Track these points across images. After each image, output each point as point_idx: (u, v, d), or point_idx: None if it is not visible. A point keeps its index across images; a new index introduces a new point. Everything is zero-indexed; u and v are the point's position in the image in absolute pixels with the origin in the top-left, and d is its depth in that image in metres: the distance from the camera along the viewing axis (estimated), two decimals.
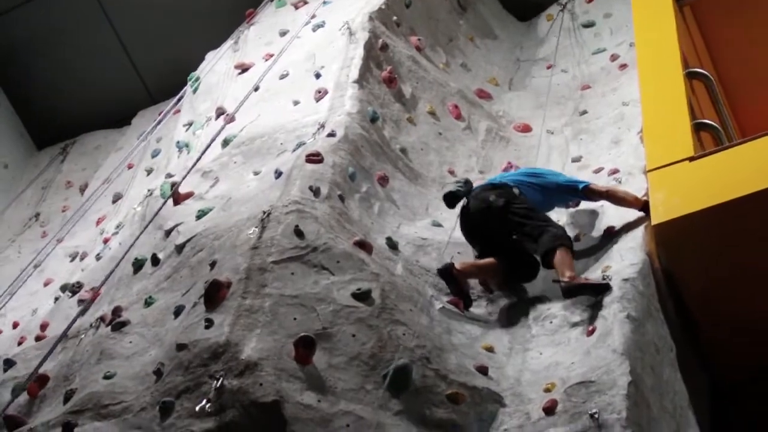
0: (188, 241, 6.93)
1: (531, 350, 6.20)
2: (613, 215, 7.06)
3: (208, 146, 7.90)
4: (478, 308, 6.73)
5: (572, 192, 7.08)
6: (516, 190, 6.87)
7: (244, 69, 9.72)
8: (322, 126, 7.66)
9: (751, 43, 9.52)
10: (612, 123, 8.55)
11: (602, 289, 6.20)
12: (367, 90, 8.18)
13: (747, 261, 6.53)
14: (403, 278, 6.49)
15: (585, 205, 7.27)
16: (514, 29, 11.11)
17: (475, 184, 7.17)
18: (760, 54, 9.53)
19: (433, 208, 7.63)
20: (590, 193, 7.00)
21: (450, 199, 6.97)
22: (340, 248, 6.33)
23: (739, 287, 6.60)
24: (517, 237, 6.70)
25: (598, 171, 7.78)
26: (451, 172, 8.14)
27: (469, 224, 6.94)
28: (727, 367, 6.78)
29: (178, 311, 6.34)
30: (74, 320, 6.62)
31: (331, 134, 7.47)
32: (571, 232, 6.92)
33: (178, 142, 9.47)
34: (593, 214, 7.23)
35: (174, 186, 7.71)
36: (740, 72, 9.24)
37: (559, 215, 7.25)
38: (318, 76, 8.55)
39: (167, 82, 11.66)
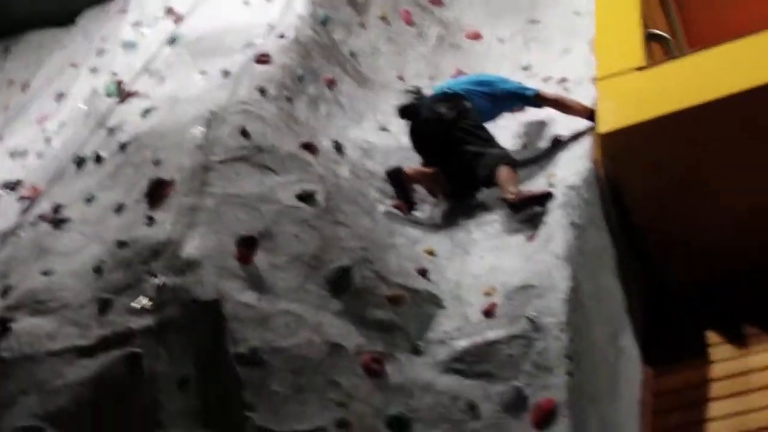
0: (133, 139, 6.83)
1: (472, 255, 6.23)
2: (560, 124, 7.06)
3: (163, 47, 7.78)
4: (421, 212, 6.75)
5: (521, 99, 7.07)
6: (467, 103, 6.84)
7: None
8: (273, 28, 7.56)
9: None
10: (563, 32, 8.51)
11: (546, 197, 6.21)
12: None
13: (690, 172, 6.56)
14: (348, 181, 6.48)
15: (532, 113, 7.25)
16: None
17: (426, 91, 7.13)
18: None
19: (380, 113, 7.60)
20: (539, 100, 6.99)
21: (404, 112, 6.94)
22: (285, 149, 6.30)
23: (680, 198, 6.64)
24: (460, 153, 6.69)
25: (546, 80, 7.76)
26: (401, 78, 8.10)
27: (418, 134, 6.93)
28: (664, 276, 6.85)
29: (119, 209, 6.28)
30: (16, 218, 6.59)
31: (281, 36, 7.39)
32: (518, 141, 6.92)
33: (124, 41, 9.31)
34: (541, 123, 7.23)
35: (119, 84, 7.61)
36: None
37: (508, 122, 7.24)
38: None
39: None
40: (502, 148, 6.66)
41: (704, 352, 6.34)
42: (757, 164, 6.50)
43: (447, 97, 6.91)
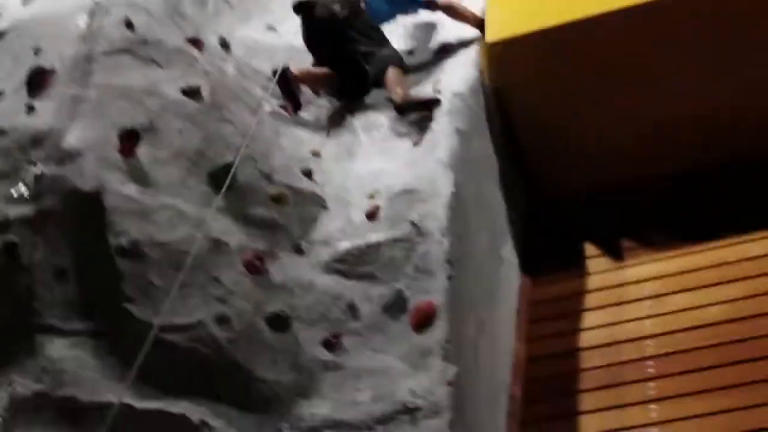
0: (12, 27, 6.59)
1: (357, 157, 6.23)
2: (448, 31, 7.06)
3: None
4: (308, 113, 6.71)
5: (415, 1, 7.03)
6: (362, 3, 6.82)
7: None
8: None
9: None
10: None
11: (433, 103, 6.23)
12: None
13: (572, 85, 6.66)
14: (233, 78, 6.40)
15: (422, 17, 7.23)
16: None
17: None
18: None
19: (268, 12, 7.51)
20: (432, 4, 6.96)
21: (298, 8, 6.87)
22: (171, 43, 6.16)
23: (561, 110, 6.73)
24: (352, 52, 6.65)
25: None
26: None
27: (310, 31, 6.87)
28: (544, 187, 6.94)
29: None
30: None
31: None
32: (406, 45, 6.91)
33: None
34: (429, 28, 7.22)
35: None
36: None
37: (397, 26, 7.21)
38: None
39: None
40: (393, 49, 6.63)
41: (581, 264, 6.46)
42: (637, 78, 6.61)
43: None
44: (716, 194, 6.53)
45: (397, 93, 6.28)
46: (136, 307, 4.97)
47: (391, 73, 6.38)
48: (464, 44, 6.85)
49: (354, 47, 6.62)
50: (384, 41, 6.67)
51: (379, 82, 6.45)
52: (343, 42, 6.66)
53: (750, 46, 6.41)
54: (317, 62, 6.80)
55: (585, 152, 6.79)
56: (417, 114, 6.22)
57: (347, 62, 6.65)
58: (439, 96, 6.28)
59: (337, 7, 6.72)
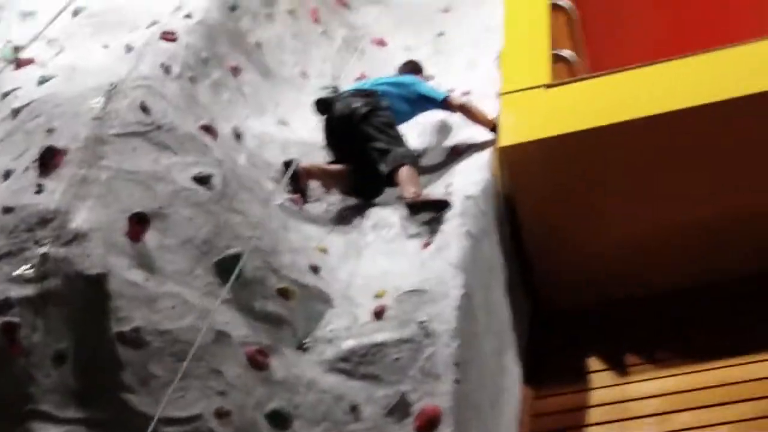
0: (26, 105, 6.56)
1: (365, 256, 6.16)
2: (463, 132, 7.06)
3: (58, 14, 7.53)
4: (316, 209, 6.65)
5: (430, 102, 7.04)
6: (384, 102, 6.84)
7: None
8: (179, 7, 7.40)
9: None
10: (469, 46, 8.55)
11: (444, 205, 6.19)
12: None
13: (582, 195, 6.64)
14: (245, 169, 6.36)
15: (437, 118, 7.23)
16: None
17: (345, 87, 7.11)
18: None
19: (281, 107, 7.50)
20: (448, 105, 6.97)
21: (319, 105, 6.89)
22: (185, 129, 6.14)
23: (570, 220, 6.70)
24: (367, 150, 6.64)
25: (449, 91, 7.73)
26: (304, 74, 8.02)
27: (329, 127, 6.88)
28: (550, 298, 6.88)
29: (7, 174, 6.02)
30: None
31: (188, 16, 7.23)
32: (420, 144, 6.90)
33: (22, 10, 9.05)
34: (444, 129, 7.23)
35: (16, 49, 7.36)
36: (596, 6, 9.30)
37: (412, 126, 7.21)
38: None
39: None
40: (408, 148, 6.62)
41: (585, 378, 6.36)
42: (645, 194, 6.59)
43: (363, 92, 6.91)
44: (724, 311, 6.47)
45: (409, 192, 6.25)
46: (134, 397, 4.85)
47: (404, 172, 6.36)
48: (478, 147, 6.83)
49: (370, 144, 6.59)
50: (399, 140, 6.66)
51: (392, 180, 6.41)
52: (359, 138, 6.63)
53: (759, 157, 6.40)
54: (335, 159, 6.77)
55: (594, 264, 6.74)
56: (428, 214, 6.16)
57: (362, 159, 6.61)
58: (450, 198, 6.23)
59: (358, 104, 6.73)
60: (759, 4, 9.51)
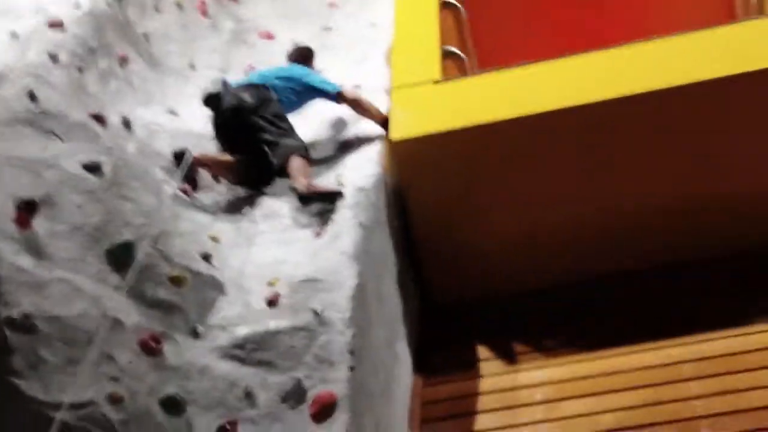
0: None
1: (257, 245, 6.14)
2: (353, 125, 7.08)
3: None
4: (207, 198, 6.60)
5: (323, 94, 7.03)
6: (273, 95, 6.80)
7: None
8: None
9: None
10: (358, 41, 8.57)
11: (336, 196, 6.20)
12: None
13: (468, 189, 6.71)
14: (135, 158, 6.28)
15: (327, 111, 7.22)
16: None
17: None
18: None
19: (169, 97, 7.43)
20: (340, 98, 6.95)
21: (208, 100, 6.82)
22: (74, 118, 6.04)
23: (456, 214, 6.78)
24: (257, 142, 6.62)
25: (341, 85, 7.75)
26: (192, 66, 7.95)
27: (219, 120, 6.82)
28: (439, 287, 6.94)
29: None
30: None
31: (76, 5, 7.11)
32: (311, 137, 6.90)
33: None
34: (334, 121, 7.24)
35: None
36: (484, 3, 9.40)
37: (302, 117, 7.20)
38: None
39: None
40: (299, 140, 6.60)
41: (475, 366, 6.43)
42: (527, 189, 6.69)
43: (252, 86, 6.84)
44: (610, 302, 6.60)
45: (301, 182, 6.25)
46: (24, 382, 4.73)
47: (295, 163, 6.35)
48: (368, 140, 6.86)
49: (260, 135, 6.56)
50: (290, 131, 6.64)
51: (283, 171, 6.40)
52: (250, 130, 6.60)
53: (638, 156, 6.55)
54: (224, 150, 6.72)
55: (481, 255, 6.83)
56: (320, 204, 6.17)
57: (253, 150, 6.59)
58: (342, 189, 6.25)
59: (246, 97, 6.68)
60: (641, 7, 9.73)
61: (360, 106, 6.92)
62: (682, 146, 6.48)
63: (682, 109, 6.41)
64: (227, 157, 6.67)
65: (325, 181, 6.50)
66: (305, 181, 6.26)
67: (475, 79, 7.19)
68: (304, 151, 6.49)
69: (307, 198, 6.20)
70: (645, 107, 6.44)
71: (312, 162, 6.59)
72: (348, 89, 7.01)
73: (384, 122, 6.88)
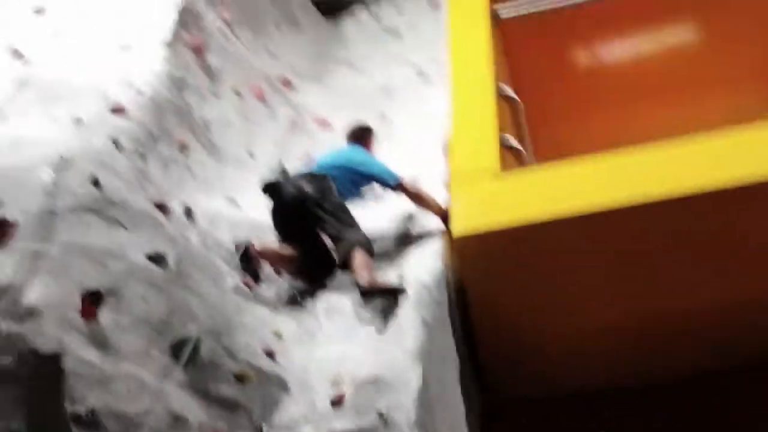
0: None
1: (320, 341, 6.07)
2: (415, 220, 7.04)
3: None
4: (269, 292, 6.54)
5: (383, 184, 6.99)
6: (333, 185, 6.75)
7: (40, 11, 9.17)
8: (129, 82, 7.29)
9: (551, 71, 9.78)
10: (413, 131, 8.56)
11: (399, 292, 6.14)
12: (176, 54, 7.87)
13: (532, 285, 6.62)
14: (198, 248, 6.24)
15: (389, 205, 7.18)
16: (321, 25, 11.05)
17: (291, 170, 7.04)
18: (559, 83, 9.83)
19: (229, 185, 7.42)
20: (401, 189, 6.90)
21: (267, 188, 6.77)
22: (138, 206, 6.00)
23: (523, 311, 6.68)
24: (320, 234, 6.60)
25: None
26: (250, 154, 7.94)
27: (279, 210, 6.77)
28: (498, 385, 6.84)
29: None
30: None
31: (138, 91, 7.13)
32: (372, 230, 6.85)
33: None
34: (396, 215, 7.18)
35: None
36: (539, 95, 9.41)
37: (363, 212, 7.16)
38: (126, 32, 8.16)
39: None
40: (362, 233, 6.55)
41: None
42: (591, 289, 6.59)
43: (312, 176, 6.79)
44: (673, 409, 6.49)
45: (363, 277, 6.18)
46: None
47: (358, 257, 6.29)
48: (429, 235, 6.80)
49: (322, 228, 6.52)
50: (353, 224, 6.58)
51: (346, 265, 6.33)
52: (311, 222, 6.57)
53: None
54: (283, 241, 6.67)
55: (544, 353, 6.74)
56: (382, 300, 6.10)
57: (314, 243, 6.54)
58: (404, 285, 6.18)
59: (307, 187, 6.64)
60: (702, 98, 9.71)
61: (420, 199, 6.88)
62: (748, 247, 6.38)
63: (747, 209, 6.30)
64: (288, 249, 6.62)
65: (387, 276, 6.42)
66: (368, 276, 6.19)
67: (534, 172, 7.13)
68: (367, 245, 6.43)
69: (369, 293, 6.13)
70: (710, 206, 6.34)
71: (374, 256, 6.51)
72: (408, 181, 6.93)
73: (444, 216, 6.84)
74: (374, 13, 10.86)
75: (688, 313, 6.57)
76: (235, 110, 8.22)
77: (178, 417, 5.03)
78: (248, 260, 6.36)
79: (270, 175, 6.95)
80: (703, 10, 9.88)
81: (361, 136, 7.54)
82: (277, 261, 6.62)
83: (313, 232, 6.59)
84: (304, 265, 6.61)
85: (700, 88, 9.95)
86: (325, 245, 6.52)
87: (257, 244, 6.48)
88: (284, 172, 6.92)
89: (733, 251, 6.40)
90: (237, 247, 6.42)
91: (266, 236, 6.83)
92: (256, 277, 6.41)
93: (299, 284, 6.66)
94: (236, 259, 6.39)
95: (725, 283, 6.49)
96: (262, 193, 6.83)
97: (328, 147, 8.22)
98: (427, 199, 6.89)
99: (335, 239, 6.46)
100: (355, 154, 7.23)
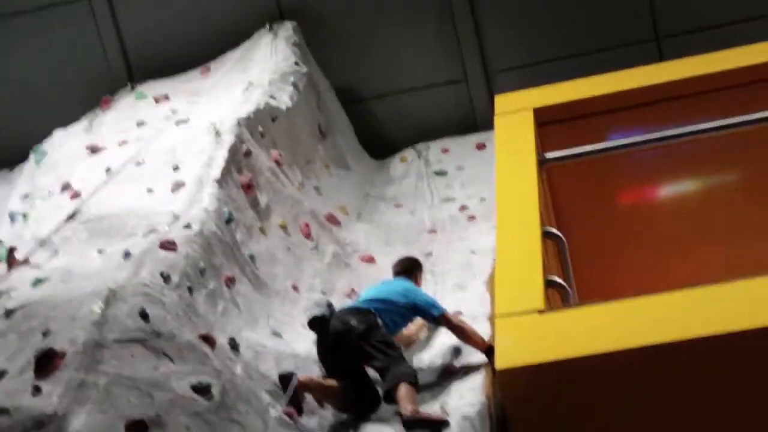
0: (20, 307, 6.54)
1: None
2: (455, 353, 7.06)
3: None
4: (311, 422, 6.55)
5: (427, 316, 7.09)
6: (379, 320, 6.82)
7: (95, 150, 9.47)
8: (177, 217, 7.48)
9: (593, 212, 9.88)
10: (458, 269, 8.64)
11: (442, 424, 6.14)
12: (225, 191, 8.06)
13: (577, 419, 6.57)
14: (242, 380, 6.30)
15: (432, 339, 7.23)
16: (368, 165, 11.29)
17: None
18: (601, 224, 9.91)
19: (273, 319, 7.50)
20: (444, 321, 7.00)
21: (313, 322, 6.84)
22: (184, 338, 6.12)
23: None
24: (366, 368, 6.67)
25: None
26: (295, 288, 8.05)
27: (325, 344, 6.81)
28: None
29: (1, 375, 5.95)
30: None
31: (187, 226, 7.30)
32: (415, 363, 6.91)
33: (11, 212, 9.12)
34: (438, 348, 7.20)
35: (10, 251, 7.37)
36: (582, 237, 9.48)
37: None
38: (176, 168, 8.40)
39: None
40: (409, 366, 6.59)
41: None
42: (634, 427, 6.55)
43: (358, 310, 6.86)
44: None
45: (407, 409, 6.21)
46: None
47: (404, 390, 6.33)
48: (470, 368, 6.83)
49: (368, 362, 6.58)
50: (398, 358, 6.63)
51: (391, 398, 6.36)
52: (356, 356, 6.63)
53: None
54: (328, 374, 6.72)
55: None
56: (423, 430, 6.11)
57: (359, 376, 6.59)
58: (447, 417, 6.19)
59: (354, 322, 6.71)
60: (738, 247, 9.76)
61: (463, 332, 6.94)
62: None
63: None
64: (332, 382, 6.65)
65: (430, 408, 6.43)
66: (412, 407, 6.22)
67: (578, 310, 7.13)
68: (414, 378, 6.46)
69: (412, 424, 6.14)
70: (748, 345, 6.31)
71: (419, 390, 6.54)
72: (451, 314, 7.04)
73: (486, 350, 6.86)
74: (422, 154, 11.05)
75: None
76: (281, 246, 8.34)
77: None
78: (292, 391, 6.38)
79: (316, 309, 7.01)
80: (749, 156, 9.96)
81: (410, 268, 7.64)
82: (321, 393, 6.64)
83: (358, 366, 6.63)
84: (347, 398, 6.62)
85: (742, 234, 10.00)
86: (369, 379, 6.55)
87: (301, 376, 6.52)
88: (330, 306, 6.98)
89: None
90: (281, 378, 6.45)
91: (310, 369, 6.87)
92: (299, 408, 6.42)
93: (342, 416, 6.66)
94: (280, 391, 6.41)
95: None
96: (307, 327, 6.88)
97: (372, 283, 8.32)
98: (469, 331, 6.95)
99: (382, 372, 6.51)
100: (400, 283, 7.34)
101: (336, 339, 6.70)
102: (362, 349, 6.62)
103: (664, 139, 9.32)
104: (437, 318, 6.99)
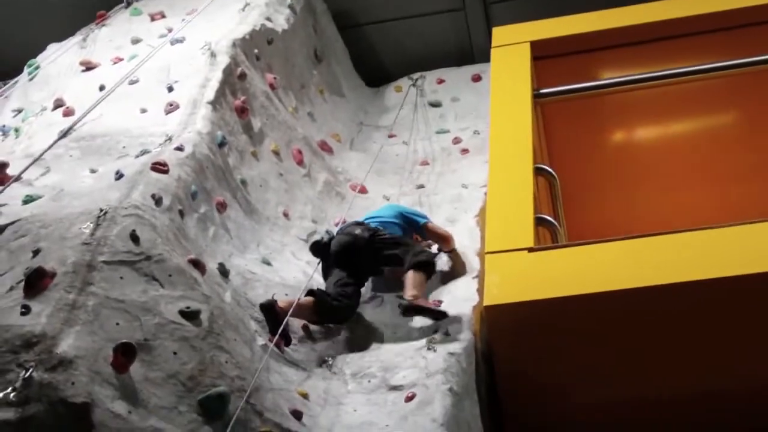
0: (11, 223, 6.49)
1: (346, 405, 6.10)
2: (443, 288, 7.07)
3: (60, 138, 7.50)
4: (298, 353, 6.57)
5: (413, 224, 7.52)
6: (380, 227, 7.21)
7: (89, 67, 9.36)
8: (170, 138, 7.42)
9: (586, 151, 9.88)
10: (449, 202, 8.63)
11: (440, 315, 6.47)
12: (219, 114, 7.98)
13: (558, 358, 6.62)
14: (231, 307, 6.30)
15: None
16: (362, 93, 11.20)
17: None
18: (594, 163, 9.90)
19: (263, 246, 7.49)
20: (427, 230, 7.51)
21: (315, 247, 7.15)
22: (174, 262, 6.08)
23: (549, 380, 6.68)
24: (385, 256, 7.03)
25: (429, 246, 7.78)
26: (286, 215, 8.03)
27: (335, 259, 7.09)
28: None
29: None
30: None
31: (179, 148, 7.23)
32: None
33: (3, 126, 9.04)
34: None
35: (2, 166, 7.30)
36: (574, 174, 9.47)
37: None
38: (170, 89, 8.31)
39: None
40: (424, 253, 7.01)
41: None
42: (617, 364, 6.60)
43: (358, 223, 7.26)
44: None
45: (410, 294, 6.52)
46: None
47: (413, 275, 6.71)
48: (458, 304, 6.86)
49: (387, 252, 7.00)
50: (414, 245, 7.09)
51: (425, 265, 6.83)
52: (371, 257, 7.03)
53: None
54: (340, 295, 6.91)
55: (568, 426, 6.70)
56: (422, 318, 6.47)
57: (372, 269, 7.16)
58: (446, 311, 6.56)
59: (357, 231, 7.09)
60: (733, 188, 9.77)
61: (444, 239, 7.52)
62: None
63: None
64: (306, 298, 6.73)
65: (416, 343, 6.46)
66: (414, 293, 6.56)
67: (566, 249, 7.14)
68: (428, 267, 6.86)
69: (410, 309, 6.51)
70: (735, 290, 6.34)
71: (431, 275, 6.92)
72: (433, 224, 7.61)
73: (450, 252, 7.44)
74: (417, 84, 10.98)
75: (713, 392, 6.55)
76: (273, 171, 8.30)
77: None
78: (273, 317, 6.40)
79: (316, 236, 7.26)
80: (742, 99, 9.94)
81: None
82: (299, 311, 6.64)
83: (372, 268, 7.12)
84: (323, 309, 6.76)
85: (734, 176, 10.01)
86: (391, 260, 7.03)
87: (280, 301, 6.53)
88: (328, 232, 7.24)
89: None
90: (262, 306, 6.47)
91: (295, 296, 6.87)
92: (286, 338, 6.45)
93: (328, 347, 6.68)
94: (264, 318, 6.43)
95: (755, 368, 6.49)
96: (312, 254, 7.21)
97: (363, 213, 8.31)
98: (446, 236, 7.48)
99: (406, 251, 6.93)
100: (386, 205, 7.90)
101: (345, 249, 7.04)
102: (372, 247, 6.98)
103: (660, 78, 9.29)
104: (421, 227, 7.42)
